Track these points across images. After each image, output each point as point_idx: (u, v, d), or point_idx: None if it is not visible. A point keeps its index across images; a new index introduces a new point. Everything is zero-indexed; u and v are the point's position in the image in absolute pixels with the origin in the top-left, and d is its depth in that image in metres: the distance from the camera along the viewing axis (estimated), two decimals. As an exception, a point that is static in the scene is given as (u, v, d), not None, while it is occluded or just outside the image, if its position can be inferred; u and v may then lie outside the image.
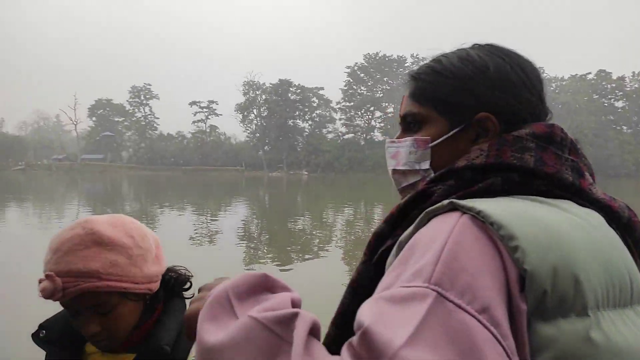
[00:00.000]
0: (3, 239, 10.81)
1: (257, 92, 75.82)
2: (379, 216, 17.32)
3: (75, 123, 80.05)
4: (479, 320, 0.44)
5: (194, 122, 78.71)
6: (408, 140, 0.77)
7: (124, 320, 0.99)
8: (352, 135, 73.97)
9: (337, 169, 65.74)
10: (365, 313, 0.46)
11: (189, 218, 15.52)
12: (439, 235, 0.52)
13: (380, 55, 72.94)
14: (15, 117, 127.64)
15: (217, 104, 78.55)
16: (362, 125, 74.09)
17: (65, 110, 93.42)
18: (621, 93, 67.88)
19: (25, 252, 8.46)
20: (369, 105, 72.55)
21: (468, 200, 0.57)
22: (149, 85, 79.94)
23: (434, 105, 0.74)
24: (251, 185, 40.35)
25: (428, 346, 0.41)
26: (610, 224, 0.62)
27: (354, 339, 0.44)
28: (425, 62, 0.78)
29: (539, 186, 0.62)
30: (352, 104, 73.36)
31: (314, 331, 0.48)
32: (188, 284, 1.14)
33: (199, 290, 0.69)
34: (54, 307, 1.05)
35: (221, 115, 79.95)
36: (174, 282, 1.11)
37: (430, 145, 0.74)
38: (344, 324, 0.67)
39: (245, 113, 75.57)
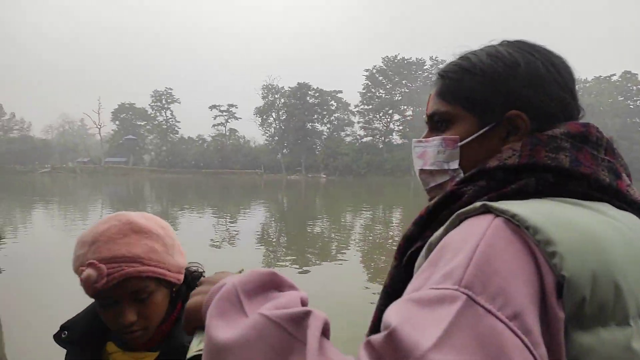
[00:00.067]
0: (31, 240, 11.16)
1: (276, 96, 76.48)
2: (397, 220, 17.24)
3: (99, 127, 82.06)
4: (509, 327, 0.42)
5: (214, 125, 79.90)
6: (436, 139, 0.75)
7: (158, 309, 1.01)
8: (371, 138, 73.86)
9: (355, 172, 65.64)
10: (393, 314, 0.45)
11: (209, 220, 15.74)
12: (470, 238, 0.50)
13: (399, 58, 72.64)
14: (42, 121, 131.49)
15: (237, 108, 79.55)
16: (381, 129, 73.88)
17: (90, 114, 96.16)
18: (648, 94, 66.06)
19: (53, 253, 8.72)
20: (387, 108, 72.30)
21: (501, 202, 0.55)
22: (171, 89, 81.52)
23: (463, 104, 0.72)
24: (270, 188, 40.60)
25: (456, 350, 0.40)
26: None
27: (376, 339, 0.43)
28: (452, 60, 0.76)
29: (574, 187, 0.60)
30: (370, 107, 73.22)
31: (324, 330, 0.48)
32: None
33: (199, 284, 0.69)
34: (78, 306, 1.10)
35: (241, 118, 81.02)
36: (191, 278, 1.14)
37: (460, 144, 0.73)
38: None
39: (264, 116, 76.28)
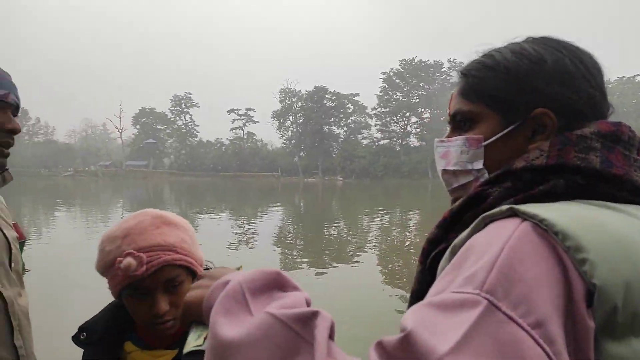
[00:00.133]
0: (55, 241, 11.45)
1: (293, 99, 76.84)
2: (415, 223, 17.11)
3: (120, 131, 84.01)
4: (531, 335, 0.41)
5: (232, 129, 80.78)
6: (459, 139, 0.73)
7: None
8: (388, 141, 73.53)
9: (372, 174, 65.35)
10: (410, 317, 0.44)
11: (227, 223, 15.89)
12: (495, 241, 0.49)
13: (416, 60, 72.20)
14: (65, 125, 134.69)
15: (254, 112, 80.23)
16: (398, 131, 73.46)
17: (111, 119, 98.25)
18: (675, 95, 64.13)
19: (76, 254, 8.92)
20: (404, 111, 71.88)
21: (528, 205, 0.54)
22: (190, 94, 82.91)
23: (487, 102, 0.70)
24: (287, 191, 40.79)
25: (473, 357, 0.39)
26: None
27: (389, 341, 0.43)
28: (474, 58, 0.74)
29: (604, 189, 0.58)
30: (387, 109, 72.90)
31: (330, 331, 0.47)
32: None
33: (199, 277, 0.68)
34: (97, 305, 1.13)
35: (258, 122, 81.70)
36: None
37: (484, 144, 0.70)
38: None
39: (281, 120, 76.72)
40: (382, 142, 73.81)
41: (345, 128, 75.95)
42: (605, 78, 0.69)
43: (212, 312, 0.53)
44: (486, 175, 0.71)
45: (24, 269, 1.35)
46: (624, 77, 67.44)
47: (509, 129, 0.68)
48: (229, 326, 0.49)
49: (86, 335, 1.05)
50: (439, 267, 0.60)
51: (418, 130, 72.63)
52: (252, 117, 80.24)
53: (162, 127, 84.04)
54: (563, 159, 0.59)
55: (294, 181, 64.04)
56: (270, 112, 77.55)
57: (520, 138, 0.68)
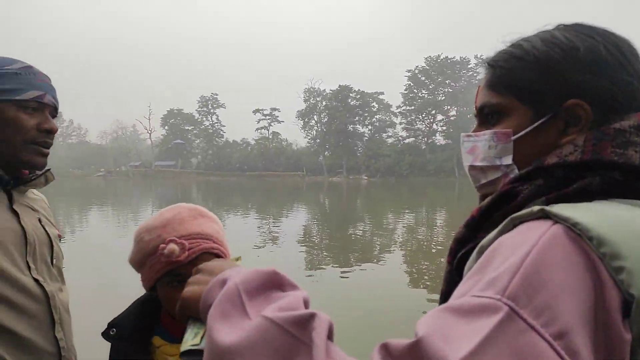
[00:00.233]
0: (88, 239, 11.81)
1: (318, 99, 76.91)
2: (441, 222, 16.87)
3: (149, 132, 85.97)
4: (552, 346, 0.39)
5: (257, 129, 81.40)
6: (487, 133, 0.69)
7: None
8: (413, 139, 72.71)
9: (397, 173, 64.78)
10: (424, 322, 0.43)
11: (253, 221, 16.04)
12: (523, 244, 0.46)
13: (442, 57, 71.12)
14: (97, 127, 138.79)
15: (280, 111, 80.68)
16: (423, 129, 72.54)
17: (141, 120, 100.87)
18: None
19: (109, 252, 9.19)
20: (430, 109, 70.92)
21: (561, 206, 0.51)
22: (216, 94, 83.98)
23: (516, 94, 0.66)
24: (312, 190, 40.80)
25: None
26: None
27: (395, 346, 0.41)
28: (502, 48, 0.70)
29: None
30: (412, 107, 72.07)
31: (329, 332, 0.46)
32: None
33: (195, 272, 0.67)
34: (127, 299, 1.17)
35: (283, 122, 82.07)
36: None
37: (513, 138, 0.66)
38: None
39: (306, 119, 76.95)
40: (407, 140, 73.04)
41: (370, 127, 75.49)
42: None
43: (209, 316, 0.52)
44: (516, 171, 0.67)
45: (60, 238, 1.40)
46: None
47: (539, 122, 0.64)
48: (226, 331, 0.48)
49: (116, 331, 1.08)
50: (466, 267, 0.57)
51: (444, 128, 71.50)
52: (277, 116, 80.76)
53: (190, 128, 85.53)
54: (599, 155, 0.56)
55: (318, 180, 64.00)
56: (295, 111, 78.05)
57: (552, 132, 0.63)
